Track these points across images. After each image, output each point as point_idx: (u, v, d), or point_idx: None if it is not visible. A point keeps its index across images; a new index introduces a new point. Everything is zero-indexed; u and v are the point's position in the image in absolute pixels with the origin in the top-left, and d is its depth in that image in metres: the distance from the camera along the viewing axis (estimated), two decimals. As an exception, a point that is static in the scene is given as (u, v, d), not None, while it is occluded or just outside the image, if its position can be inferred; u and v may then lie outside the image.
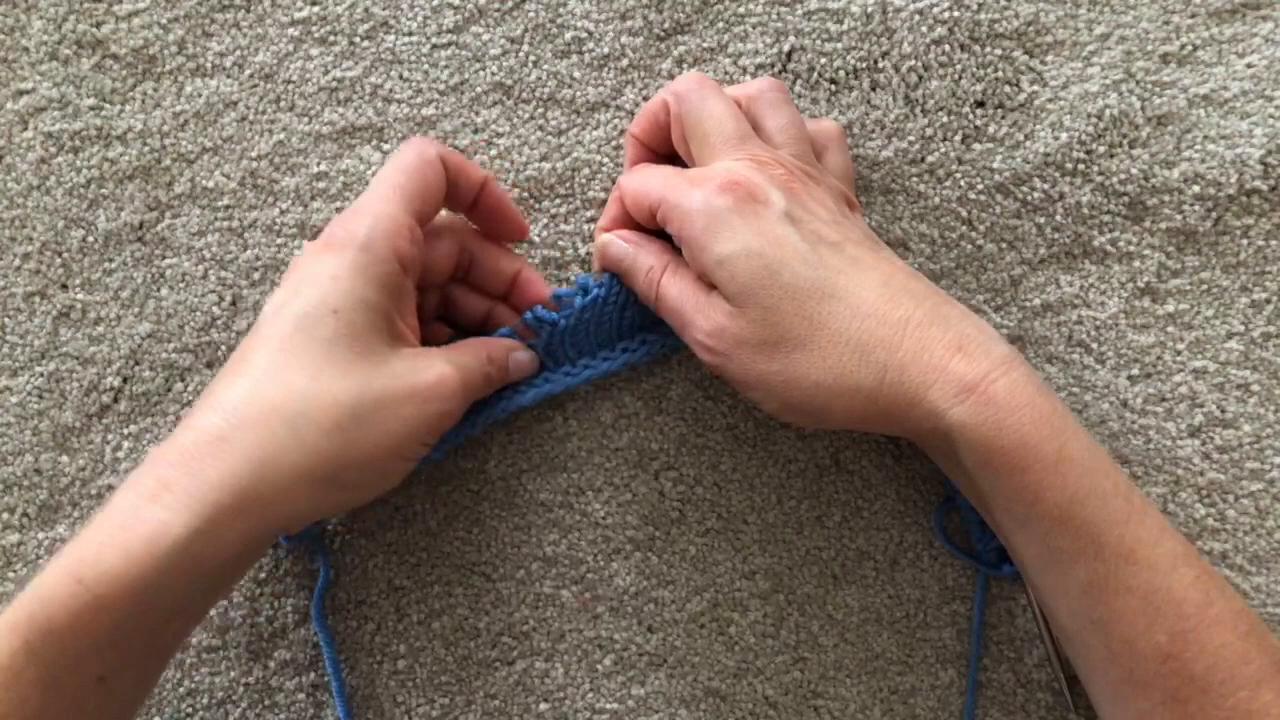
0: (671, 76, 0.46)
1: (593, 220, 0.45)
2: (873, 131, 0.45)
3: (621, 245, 0.41)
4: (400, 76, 0.46)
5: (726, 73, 0.46)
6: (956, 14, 0.45)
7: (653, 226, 0.40)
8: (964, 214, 0.45)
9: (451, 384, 0.37)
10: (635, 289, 0.42)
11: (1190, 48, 0.45)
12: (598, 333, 0.43)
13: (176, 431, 0.35)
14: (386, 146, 0.45)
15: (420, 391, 0.36)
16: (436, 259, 0.41)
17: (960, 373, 0.35)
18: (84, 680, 0.32)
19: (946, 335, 0.35)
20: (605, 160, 0.45)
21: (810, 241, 0.37)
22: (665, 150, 0.43)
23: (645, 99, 0.46)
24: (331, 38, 0.46)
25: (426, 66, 0.46)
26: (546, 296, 0.42)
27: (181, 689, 0.44)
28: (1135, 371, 0.45)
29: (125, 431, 0.45)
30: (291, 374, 0.34)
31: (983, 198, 0.45)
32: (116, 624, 0.32)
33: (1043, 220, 0.45)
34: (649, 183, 0.40)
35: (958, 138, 0.45)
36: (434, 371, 0.37)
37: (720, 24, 0.46)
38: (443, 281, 0.42)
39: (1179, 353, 0.45)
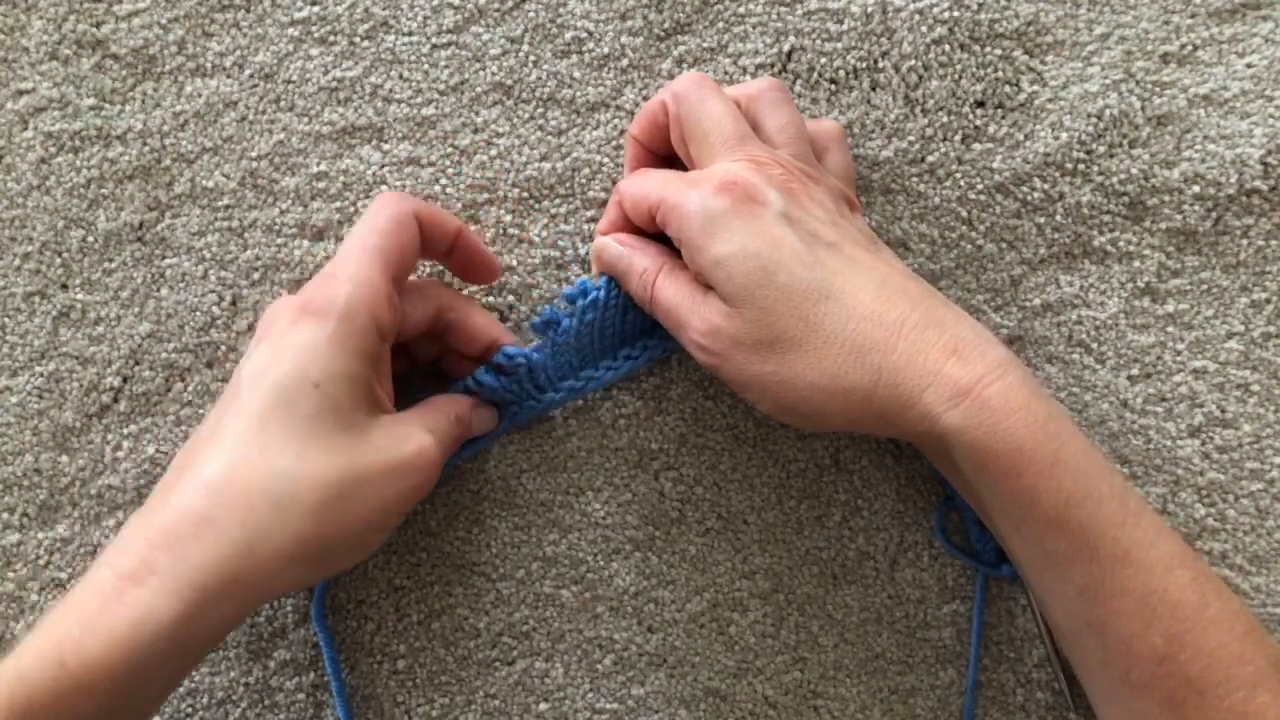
0: (671, 76, 0.46)
1: (593, 220, 0.45)
2: (873, 131, 0.45)
3: (616, 248, 0.41)
4: (400, 76, 0.46)
5: (726, 73, 0.46)
6: (956, 14, 0.45)
7: (652, 229, 0.40)
8: (964, 214, 0.45)
9: (430, 454, 0.37)
10: (630, 291, 0.42)
11: (1190, 48, 0.45)
12: (600, 340, 0.43)
13: (155, 504, 0.34)
14: (386, 146, 0.46)
15: (401, 465, 0.36)
16: (411, 321, 0.40)
17: (955, 376, 0.35)
18: None
19: (942, 338, 0.35)
20: (605, 160, 0.45)
21: (807, 242, 0.37)
22: (665, 151, 0.43)
23: (645, 99, 0.46)
24: (331, 38, 0.46)
25: (426, 66, 0.46)
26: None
27: (181, 689, 0.44)
28: (1135, 371, 0.45)
29: (125, 431, 0.45)
30: (274, 452, 0.34)
31: (983, 198, 0.45)
32: (98, 706, 0.31)
33: (1043, 220, 0.45)
34: (647, 185, 0.40)
35: (958, 138, 0.45)
36: (414, 443, 0.36)
37: (720, 24, 0.46)
38: (413, 341, 0.42)
39: (1179, 353, 0.45)
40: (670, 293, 0.39)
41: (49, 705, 0.31)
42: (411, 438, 0.37)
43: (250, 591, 0.33)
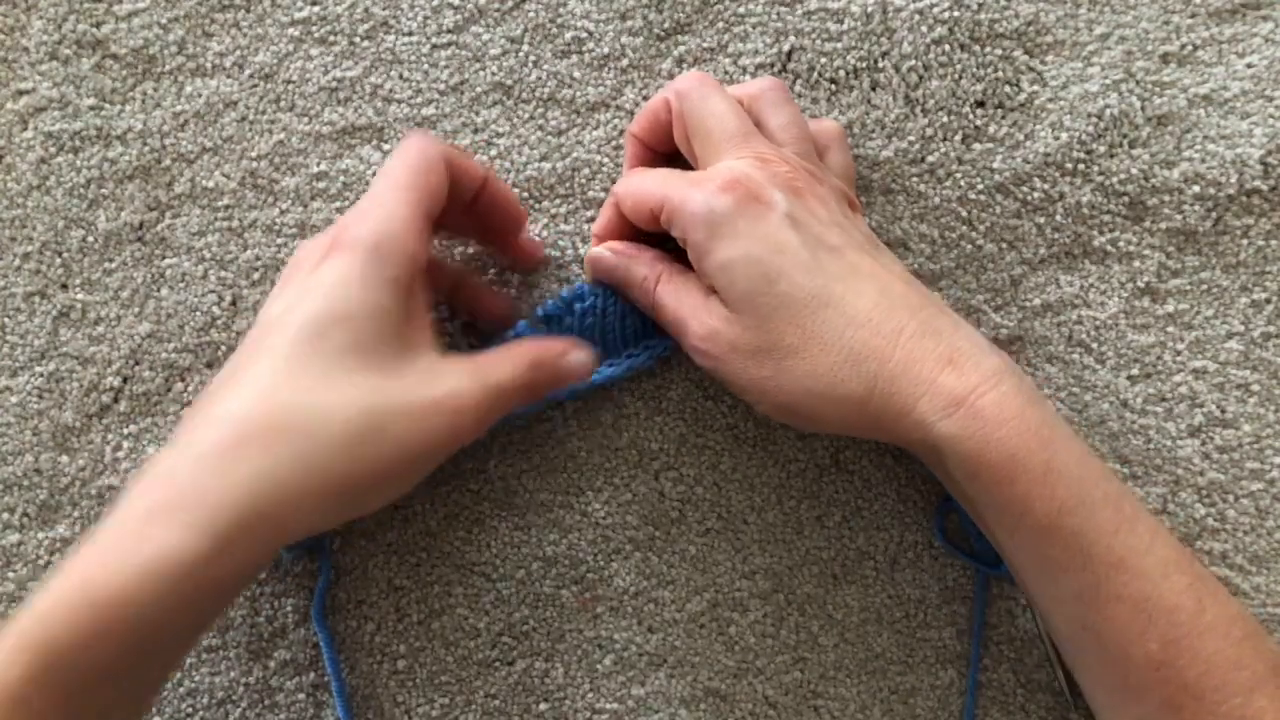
0: (671, 76, 0.46)
1: (593, 220, 0.45)
2: (873, 131, 0.45)
3: (612, 257, 0.41)
4: (400, 76, 0.46)
5: (726, 73, 0.46)
6: (957, 14, 0.45)
7: (653, 230, 0.40)
8: (964, 214, 0.45)
9: (466, 399, 0.35)
10: (633, 299, 0.42)
11: (1190, 48, 0.45)
12: (602, 341, 0.43)
13: (178, 442, 0.34)
14: (386, 146, 0.45)
15: (429, 407, 0.35)
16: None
17: (949, 386, 0.35)
18: (97, 699, 0.32)
19: (938, 348, 0.36)
20: (605, 160, 0.45)
21: (810, 247, 0.37)
22: (666, 149, 0.43)
23: (645, 99, 0.46)
24: (331, 38, 0.46)
25: (426, 66, 0.46)
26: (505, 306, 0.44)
27: (181, 689, 0.44)
28: (1135, 371, 0.45)
29: (125, 431, 0.45)
30: (300, 387, 0.33)
31: (983, 198, 0.45)
32: (127, 645, 0.31)
33: (1043, 220, 0.45)
34: (647, 185, 0.40)
35: (958, 138, 0.45)
36: (445, 386, 0.35)
37: (720, 24, 0.46)
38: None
39: (1179, 353, 0.45)
40: (671, 299, 0.40)
41: (77, 645, 0.30)
42: (445, 381, 0.35)
43: (275, 528, 0.32)
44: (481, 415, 0.36)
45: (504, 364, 0.38)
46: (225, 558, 0.31)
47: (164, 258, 0.45)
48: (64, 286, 0.45)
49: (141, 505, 0.32)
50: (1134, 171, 0.45)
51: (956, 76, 0.45)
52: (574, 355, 0.40)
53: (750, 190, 0.37)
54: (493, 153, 0.45)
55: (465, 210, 0.41)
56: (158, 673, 0.34)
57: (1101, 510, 0.34)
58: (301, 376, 0.33)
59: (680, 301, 0.39)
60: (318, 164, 0.45)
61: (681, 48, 0.46)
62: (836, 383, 0.36)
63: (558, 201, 0.45)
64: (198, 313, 0.45)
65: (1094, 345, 0.45)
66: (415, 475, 0.36)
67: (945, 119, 0.45)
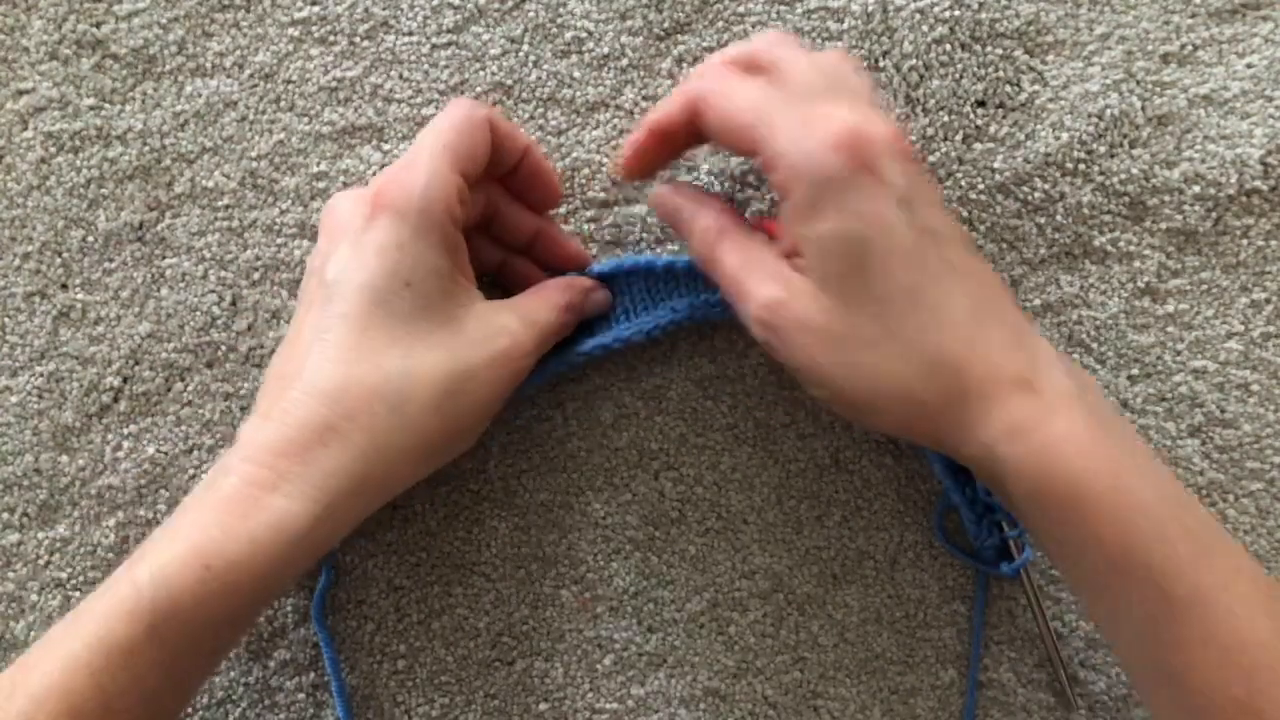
0: (672, 76, 0.46)
1: (593, 220, 0.45)
2: (873, 131, 0.45)
3: (674, 197, 0.39)
4: (400, 76, 0.46)
5: (726, 72, 0.46)
6: (957, 13, 0.45)
7: (735, 150, 0.37)
8: (965, 214, 0.45)
9: (524, 346, 0.38)
10: (689, 248, 0.39)
11: (1190, 48, 0.45)
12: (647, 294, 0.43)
13: (267, 410, 0.35)
14: (386, 146, 0.45)
15: (499, 358, 0.37)
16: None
17: (1019, 408, 0.33)
18: (198, 659, 0.34)
19: (1017, 365, 0.34)
20: (605, 160, 0.45)
21: (916, 235, 0.34)
22: (686, 147, 0.40)
23: (645, 98, 0.46)
24: (331, 38, 0.46)
25: (426, 66, 0.46)
26: (573, 251, 0.43)
27: (182, 689, 0.44)
28: (1135, 371, 0.45)
29: (125, 431, 0.45)
30: (381, 355, 0.35)
31: (983, 198, 0.45)
32: (239, 606, 0.33)
33: (1043, 220, 0.45)
34: (743, 100, 0.35)
35: (958, 137, 0.45)
36: (507, 336, 0.37)
37: (720, 23, 0.46)
38: (466, 229, 0.40)
39: (1179, 353, 0.45)
40: (733, 256, 0.36)
41: (194, 608, 0.32)
42: (506, 330, 0.37)
43: (377, 490, 0.35)
44: (534, 357, 0.39)
45: (543, 307, 0.40)
46: (332, 520, 0.34)
47: (164, 258, 0.45)
48: (64, 286, 0.45)
49: (248, 475, 0.34)
50: (1134, 171, 0.45)
51: (957, 76, 0.45)
52: (597, 294, 0.42)
53: (866, 156, 0.33)
54: (493, 153, 0.45)
55: (503, 178, 0.42)
56: (249, 626, 0.37)
57: (1179, 544, 0.32)
58: (382, 344, 0.35)
59: (745, 261, 0.36)
60: (318, 164, 0.45)
61: (681, 47, 0.46)
62: (908, 388, 0.34)
63: (558, 201, 0.45)
64: (198, 313, 0.45)
65: (1094, 345, 0.45)
66: (490, 418, 0.39)
67: (946, 119, 0.45)
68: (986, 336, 0.34)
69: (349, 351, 0.35)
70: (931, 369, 0.34)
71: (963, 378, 0.34)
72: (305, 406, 0.34)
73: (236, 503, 0.33)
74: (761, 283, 0.35)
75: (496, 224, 0.42)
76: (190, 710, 0.44)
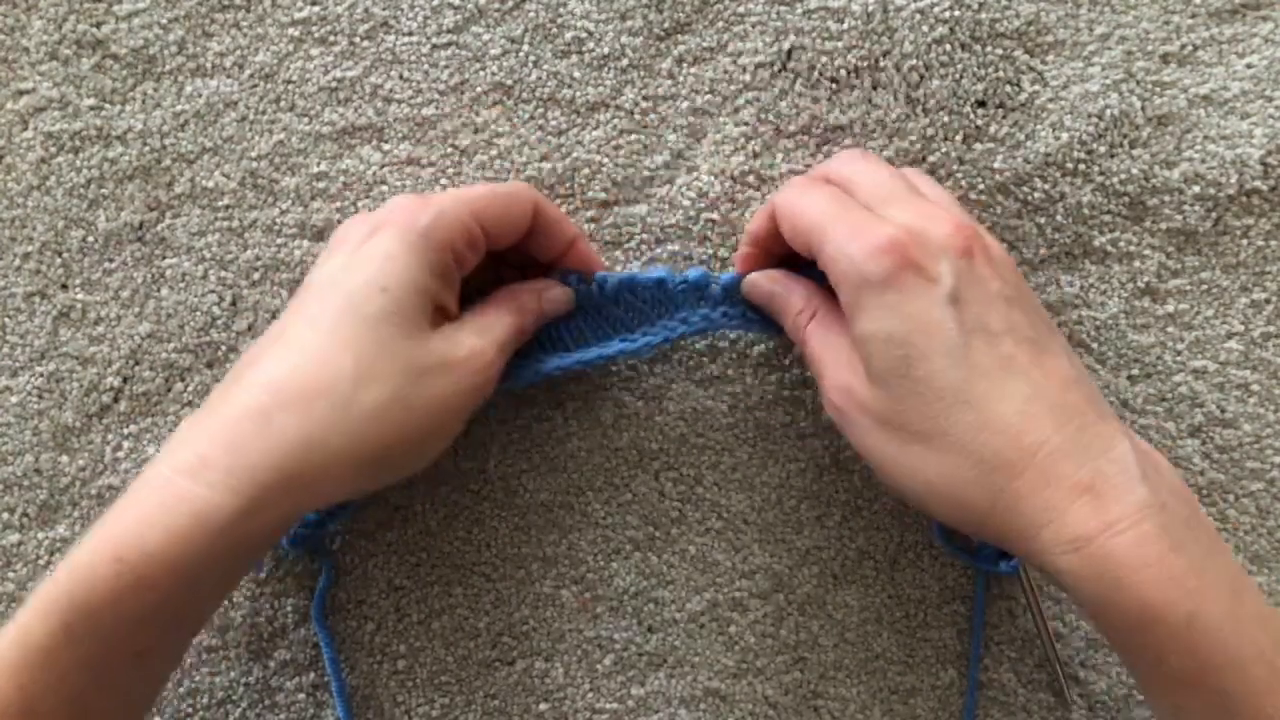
0: (671, 76, 0.46)
1: (593, 220, 0.45)
2: (874, 131, 0.45)
3: (768, 284, 0.41)
4: (400, 76, 0.46)
5: (726, 71, 0.46)
6: (957, 13, 0.45)
7: (803, 252, 0.38)
8: (964, 214, 0.45)
9: (484, 355, 0.37)
10: (784, 328, 0.41)
11: (1190, 48, 0.45)
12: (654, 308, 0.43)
13: (212, 401, 0.35)
14: (386, 146, 0.45)
15: (454, 368, 0.36)
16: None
17: (1080, 518, 0.32)
18: (122, 658, 0.32)
19: (1079, 470, 0.32)
20: (605, 160, 0.45)
21: (965, 332, 0.34)
22: (783, 252, 0.41)
23: (645, 98, 0.46)
24: (331, 38, 0.46)
25: (426, 66, 0.46)
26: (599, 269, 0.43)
27: (181, 689, 0.44)
28: (1135, 371, 0.45)
29: (125, 431, 0.45)
30: (335, 353, 0.34)
31: (984, 198, 0.45)
32: (157, 603, 0.32)
33: (1043, 220, 0.45)
34: (808, 208, 0.37)
35: (959, 137, 0.45)
36: (465, 347, 0.37)
37: (720, 23, 0.46)
38: (511, 244, 0.41)
39: (1179, 353, 0.45)
40: (817, 340, 0.38)
41: (109, 601, 0.31)
42: (464, 341, 0.37)
43: (307, 490, 0.33)
44: (495, 368, 0.38)
45: (500, 314, 0.39)
46: (257, 516, 0.32)
47: (164, 258, 0.45)
48: (64, 286, 0.45)
49: (173, 464, 0.33)
50: (1134, 171, 0.45)
51: (957, 76, 0.45)
52: (552, 292, 0.41)
53: (913, 257, 0.34)
54: (493, 153, 0.45)
55: (549, 263, 0.42)
56: (186, 629, 0.35)
57: (1253, 668, 0.31)
58: (340, 344, 0.34)
59: (825, 345, 0.38)
60: (318, 164, 0.45)
61: (681, 47, 0.46)
62: (959, 487, 0.34)
63: (558, 202, 0.45)
64: (198, 313, 0.45)
65: (1094, 345, 0.45)
66: (447, 436, 0.38)
67: (946, 119, 0.45)
68: (1040, 439, 0.33)
69: (308, 347, 0.34)
70: (981, 470, 0.33)
71: (1013, 479, 0.33)
72: (246, 395, 0.34)
73: (156, 490, 0.32)
74: (837, 368, 0.37)
75: (532, 240, 0.41)
76: (190, 710, 0.44)
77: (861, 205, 0.37)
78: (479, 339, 0.37)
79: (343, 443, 0.33)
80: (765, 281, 0.41)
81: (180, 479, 0.32)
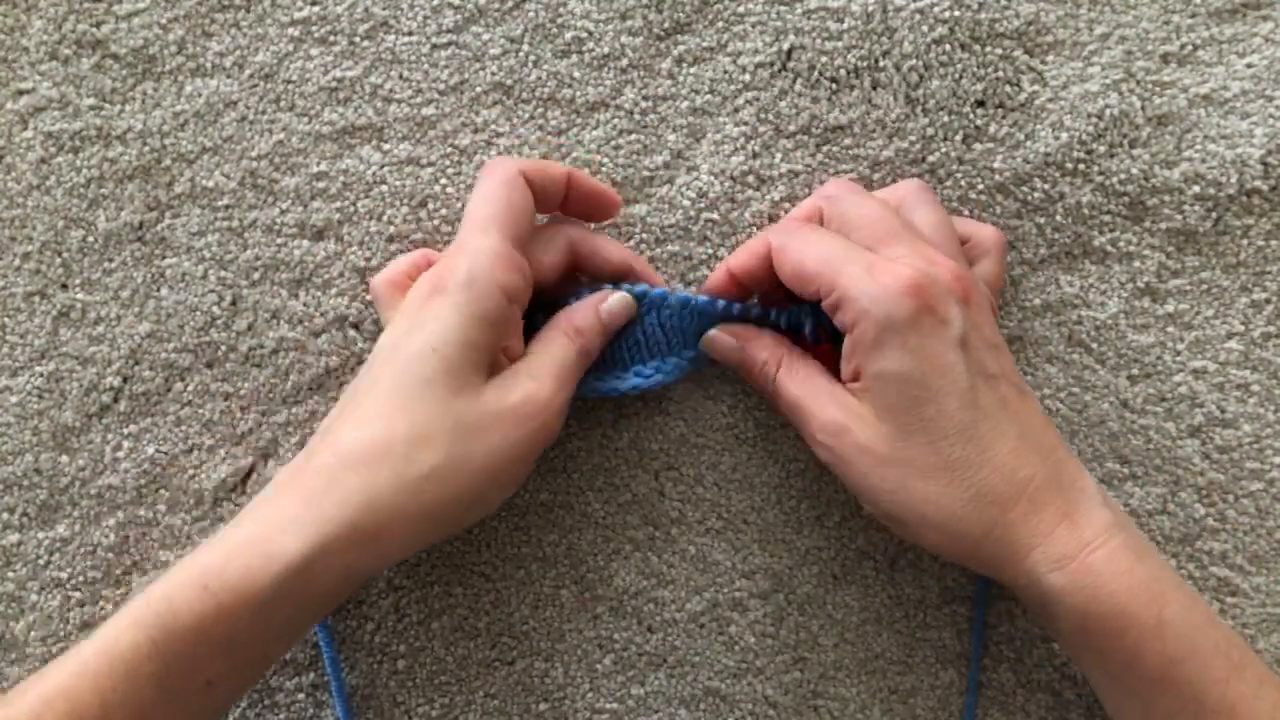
0: (671, 76, 0.46)
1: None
2: (873, 131, 0.45)
3: (730, 340, 0.42)
4: (400, 76, 0.46)
5: (726, 72, 0.46)
6: (957, 13, 0.45)
7: (802, 295, 0.39)
8: (965, 214, 0.45)
9: (539, 398, 0.38)
10: (750, 382, 0.42)
11: (1190, 48, 0.45)
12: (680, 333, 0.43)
13: (300, 463, 0.37)
14: (386, 146, 0.45)
15: (507, 420, 0.37)
16: (545, 265, 0.41)
17: (1063, 540, 0.36)
18: (196, 682, 0.34)
19: (1059, 500, 0.36)
20: (605, 160, 0.45)
21: (972, 374, 0.36)
22: (760, 289, 0.42)
23: (645, 98, 0.46)
24: (331, 38, 0.46)
25: (426, 66, 0.46)
26: (658, 281, 0.43)
27: (182, 689, 0.44)
28: (1135, 371, 0.45)
29: (125, 431, 0.45)
30: (395, 418, 0.36)
31: (983, 198, 0.45)
32: (233, 632, 0.34)
33: (1043, 220, 0.45)
34: (815, 253, 0.38)
35: (958, 137, 0.45)
36: (518, 393, 0.38)
37: (720, 23, 0.46)
38: (553, 283, 0.42)
39: (1179, 353, 0.45)
40: (793, 387, 0.40)
41: (191, 626, 0.34)
42: (518, 387, 0.38)
43: (371, 544, 0.35)
44: (557, 403, 0.39)
45: (554, 343, 0.40)
46: (326, 564, 0.35)
47: (164, 258, 0.45)
48: (64, 286, 0.45)
49: (266, 516, 0.36)
50: (1134, 171, 0.45)
51: (957, 76, 0.45)
52: (607, 304, 0.41)
53: (929, 300, 0.36)
54: (493, 153, 0.45)
55: (562, 207, 0.42)
56: (252, 667, 0.37)
57: (1212, 659, 0.35)
58: (398, 409, 0.36)
59: (804, 389, 0.39)
60: (318, 164, 0.45)
61: (681, 47, 0.46)
62: (955, 518, 0.36)
63: (558, 201, 0.45)
64: (198, 313, 0.45)
65: (1094, 345, 0.45)
66: (512, 484, 0.39)
67: (946, 119, 0.45)
68: (1030, 474, 0.36)
69: (371, 413, 0.37)
70: (977, 502, 0.36)
71: (1007, 511, 0.36)
72: (322, 460, 0.36)
73: (243, 531, 0.36)
74: (823, 406, 0.38)
75: (581, 263, 0.42)
76: (190, 710, 0.44)
77: (863, 246, 0.38)
78: (532, 380, 0.38)
79: (404, 500, 0.36)
80: (726, 337, 0.42)
81: (267, 528, 0.35)
